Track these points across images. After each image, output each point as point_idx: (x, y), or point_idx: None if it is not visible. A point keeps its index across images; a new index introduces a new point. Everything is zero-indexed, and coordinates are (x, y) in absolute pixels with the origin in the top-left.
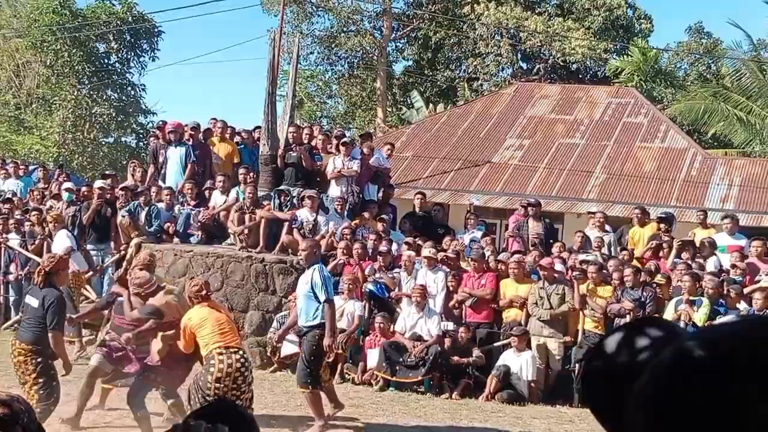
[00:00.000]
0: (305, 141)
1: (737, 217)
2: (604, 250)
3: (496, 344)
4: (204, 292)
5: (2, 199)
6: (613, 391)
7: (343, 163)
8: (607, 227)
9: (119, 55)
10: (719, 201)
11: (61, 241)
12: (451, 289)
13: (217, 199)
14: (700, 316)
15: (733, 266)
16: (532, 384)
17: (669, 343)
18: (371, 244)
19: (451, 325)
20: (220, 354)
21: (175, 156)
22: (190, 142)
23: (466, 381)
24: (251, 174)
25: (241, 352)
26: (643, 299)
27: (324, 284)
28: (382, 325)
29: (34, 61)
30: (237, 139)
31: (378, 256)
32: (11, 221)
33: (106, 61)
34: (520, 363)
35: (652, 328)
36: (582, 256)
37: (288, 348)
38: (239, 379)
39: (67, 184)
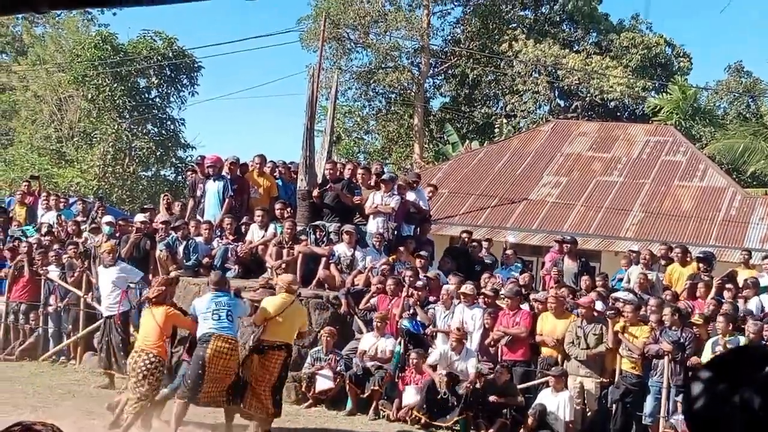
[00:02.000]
0: (343, 177)
1: None
2: (639, 288)
3: (533, 383)
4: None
5: (44, 232)
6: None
7: (381, 199)
8: (651, 266)
9: (159, 89)
10: (759, 241)
11: (120, 275)
12: (487, 326)
13: (255, 233)
14: None
15: None
16: (570, 425)
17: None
18: (408, 281)
19: (486, 368)
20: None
21: (213, 190)
22: (229, 176)
23: (503, 421)
24: (288, 209)
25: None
26: (682, 340)
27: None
28: (416, 361)
29: (76, 95)
30: (275, 173)
31: (414, 292)
32: (51, 253)
33: (146, 95)
34: (557, 402)
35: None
36: (619, 294)
37: (322, 383)
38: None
39: (107, 218)
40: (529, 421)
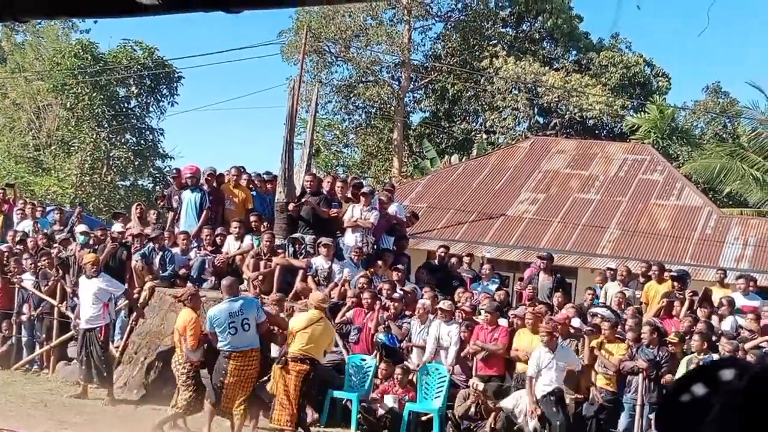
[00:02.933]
0: (322, 190)
1: (753, 277)
2: (617, 305)
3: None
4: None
5: (17, 240)
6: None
7: (361, 213)
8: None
9: (139, 99)
10: (734, 260)
11: (103, 287)
12: (463, 339)
13: (231, 245)
14: None
15: (750, 331)
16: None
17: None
18: (384, 294)
19: (459, 381)
20: None
21: (190, 200)
22: (206, 188)
23: None
24: (265, 223)
25: None
26: (658, 358)
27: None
28: (400, 377)
29: (55, 104)
30: (251, 185)
31: (390, 304)
32: (27, 262)
33: (125, 105)
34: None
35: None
36: (596, 310)
37: None
38: None
39: (82, 227)
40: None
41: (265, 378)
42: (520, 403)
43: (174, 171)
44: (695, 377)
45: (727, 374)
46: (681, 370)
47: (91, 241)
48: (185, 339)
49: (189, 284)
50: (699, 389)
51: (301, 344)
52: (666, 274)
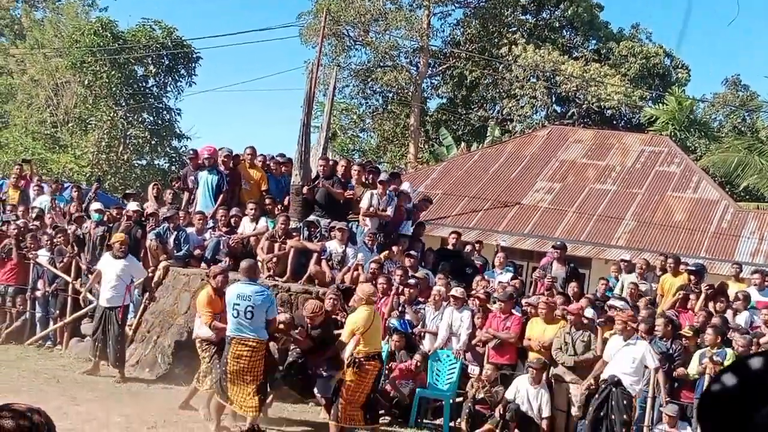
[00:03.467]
0: (336, 173)
1: (766, 271)
2: (630, 296)
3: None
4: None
5: (34, 216)
6: (736, 414)
7: (378, 201)
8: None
9: (157, 78)
10: (749, 255)
11: (127, 269)
12: (476, 325)
13: (246, 226)
14: None
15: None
16: (548, 420)
17: None
18: (397, 279)
19: (475, 369)
20: None
21: (207, 181)
22: (223, 169)
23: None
24: (279, 206)
25: None
26: (671, 351)
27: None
28: (419, 364)
29: (73, 81)
30: (266, 167)
31: (405, 290)
32: (44, 237)
33: (143, 84)
34: (536, 395)
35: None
36: (611, 302)
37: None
38: None
39: (96, 205)
40: (511, 424)
41: (278, 374)
42: (521, 389)
43: (191, 151)
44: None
45: None
46: (693, 364)
47: (105, 219)
48: (201, 315)
49: (220, 263)
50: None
51: (371, 343)
52: (682, 267)
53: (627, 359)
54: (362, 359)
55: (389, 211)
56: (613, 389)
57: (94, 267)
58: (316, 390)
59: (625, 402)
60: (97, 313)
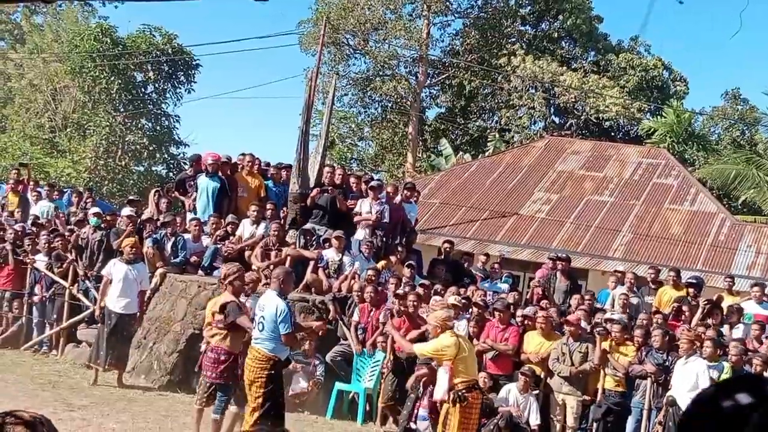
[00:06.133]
0: (338, 183)
1: (766, 284)
2: (628, 310)
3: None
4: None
5: (32, 221)
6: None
7: (370, 207)
8: (635, 289)
9: (156, 85)
10: (746, 268)
11: (139, 274)
12: (472, 334)
13: (246, 228)
14: None
15: (758, 338)
16: (538, 428)
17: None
18: (392, 289)
19: None
20: None
21: (207, 188)
22: (221, 176)
23: None
24: (281, 210)
25: None
26: (667, 363)
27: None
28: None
29: (72, 86)
30: (265, 174)
31: (395, 299)
32: (42, 242)
33: (142, 90)
34: (526, 404)
35: (749, 385)
36: (608, 315)
37: (297, 385)
38: None
39: (94, 209)
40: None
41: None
42: (510, 396)
43: (194, 156)
44: (735, 386)
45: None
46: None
47: (102, 225)
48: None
49: (234, 264)
50: (742, 398)
51: (467, 368)
52: (681, 280)
53: (686, 378)
54: (463, 391)
55: (385, 217)
56: (670, 409)
57: (92, 272)
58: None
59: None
60: (108, 320)
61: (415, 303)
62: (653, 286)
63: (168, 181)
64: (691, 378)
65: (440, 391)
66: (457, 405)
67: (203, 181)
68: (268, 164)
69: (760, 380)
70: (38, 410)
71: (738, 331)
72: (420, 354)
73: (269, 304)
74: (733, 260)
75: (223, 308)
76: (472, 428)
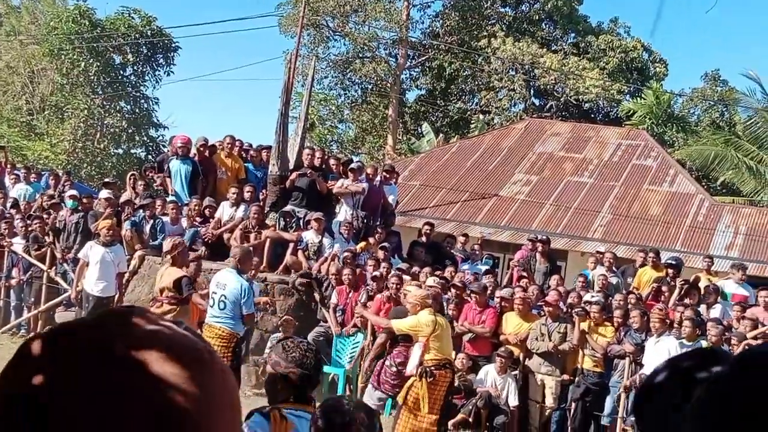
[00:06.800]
0: (318, 165)
1: (745, 265)
2: (600, 288)
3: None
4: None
5: (11, 204)
6: (665, 409)
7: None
8: (614, 269)
9: (135, 67)
10: (724, 248)
11: (116, 256)
12: (451, 316)
13: (225, 210)
14: None
15: (739, 319)
16: (515, 409)
17: (717, 363)
18: (370, 270)
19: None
20: None
21: (179, 170)
22: (197, 158)
23: (464, 416)
24: (261, 192)
25: None
26: (645, 343)
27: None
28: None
29: (50, 69)
30: (244, 155)
31: (372, 282)
32: (19, 225)
33: (121, 72)
34: (504, 384)
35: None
36: (587, 297)
37: None
38: None
39: (71, 192)
40: (483, 412)
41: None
42: (488, 377)
43: (172, 137)
44: (691, 358)
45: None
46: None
47: (79, 207)
48: (166, 300)
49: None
50: (694, 369)
51: (440, 346)
52: (660, 261)
53: (657, 356)
54: (432, 368)
55: (362, 185)
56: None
57: (70, 255)
58: None
59: None
60: (86, 303)
61: (397, 285)
62: (639, 266)
63: (147, 164)
64: (662, 356)
65: (411, 365)
66: (423, 380)
67: (174, 164)
68: (250, 146)
69: (716, 354)
70: None
71: (715, 311)
72: (397, 330)
73: (231, 283)
74: (711, 241)
75: (177, 283)
76: (436, 404)
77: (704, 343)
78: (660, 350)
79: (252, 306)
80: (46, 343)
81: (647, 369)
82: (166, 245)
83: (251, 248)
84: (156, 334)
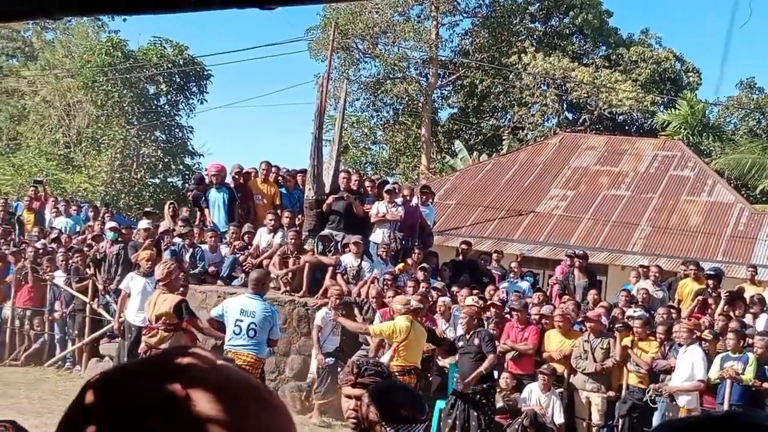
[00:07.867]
0: (354, 188)
1: None
2: (642, 302)
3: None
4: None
5: (51, 238)
6: None
7: (387, 209)
8: (659, 283)
9: (168, 97)
10: (766, 258)
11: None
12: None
13: (263, 237)
14: (748, 375)
15: None
16: (562, 427)
17: None
18: (409, 292)
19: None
20: None
21: (216, 199)
22: (232, 185)
23: None
24: (298, 217)
25: None
26: None
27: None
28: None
29: (85, 101)
30: (279, 181)
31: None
32: (59, 259)
33: (155, 102)
34: (549, 402)
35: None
36: (629, 312)
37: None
38: None
39: (111, 224)
40: (529, 431)
41: None
42: (532, 396)
43: (197, 176)
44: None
45: None
46: (714, 368)
47: (119, 238)
48: (162, 327)
49: (168, 260)
50: None
51: (408, 354)
52: (702, 273)
53: (683, 367)
54: (396, 374)
55: (399, 212)
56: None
57: (111, 287)
58: None
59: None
60: (129, 334)
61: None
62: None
63: (184, 192)
64: (686, 366)
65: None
66: None
67: (212, 194)
68: (285, 170)
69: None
70: None
71: (761, 321)
72: (373, 332)
73: (259, 311)
74: (753, 250)
75: (177, 308)
76: None
77: (750, 356)
78: (684, 361)
79: (278, 332)
80: (98, 393)
81: (675, 380)
82: (159, 271)
83: (268, 271)
84: (211, 374)
